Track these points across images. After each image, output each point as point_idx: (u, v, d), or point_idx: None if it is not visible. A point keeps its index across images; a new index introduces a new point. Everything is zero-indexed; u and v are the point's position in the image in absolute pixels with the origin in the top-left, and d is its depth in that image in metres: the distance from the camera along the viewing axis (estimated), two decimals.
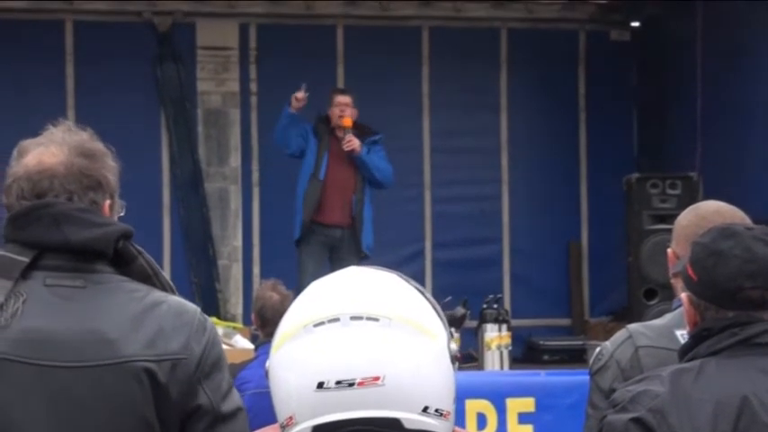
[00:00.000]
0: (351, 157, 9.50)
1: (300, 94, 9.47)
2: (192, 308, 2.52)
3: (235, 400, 2.51)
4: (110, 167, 2.55)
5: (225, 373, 2.51)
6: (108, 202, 2.54)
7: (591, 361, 3.40)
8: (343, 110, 9.55)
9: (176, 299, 2.51)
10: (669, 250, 3.43)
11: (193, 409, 2.45)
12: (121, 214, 2.61)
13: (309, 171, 9.55)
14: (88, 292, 2.44)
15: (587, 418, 3.28)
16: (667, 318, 3.35)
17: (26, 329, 2.39)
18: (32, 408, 2.37)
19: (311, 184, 9.51)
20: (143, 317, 2.44)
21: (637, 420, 2.53)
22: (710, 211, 3.37)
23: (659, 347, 3.23)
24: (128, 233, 2.50)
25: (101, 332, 2.41)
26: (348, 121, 9.51)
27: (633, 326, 3.40)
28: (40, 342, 2.39)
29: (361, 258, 9.18)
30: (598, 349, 3.41)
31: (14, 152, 2.55)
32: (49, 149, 2.51)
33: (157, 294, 2.49)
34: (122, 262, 2.50)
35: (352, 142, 9.46)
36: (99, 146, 2.56)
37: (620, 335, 3.38)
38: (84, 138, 2.55)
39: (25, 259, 2.43)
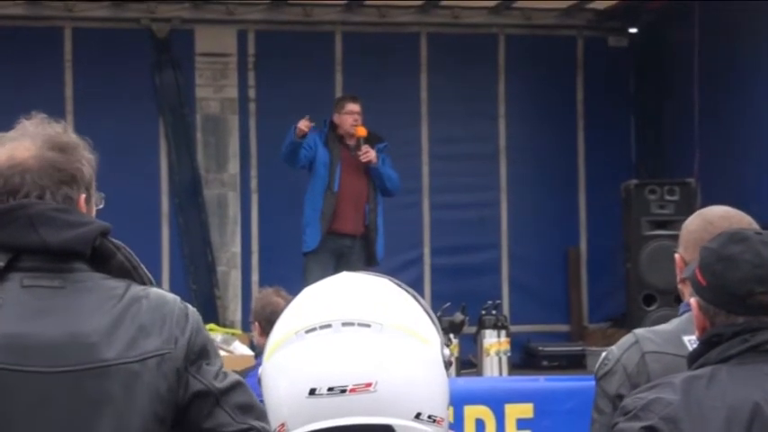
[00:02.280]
0: (366, 168, 9.46)
1: (305, 124, 9.29)
2: (172, 298, 2.48)
3: (231, 376, 2.48)
4: (85, 159, 2.50)
5: (213, 357, 2.48)
6: (83, 195, 2.49)
7: (597, 366, 3.37)
8: (357, 119, 9.50)
9: (156, 291, 2.47)
10: (676, 255, 3.40)
11: (191, 398, 2.42)
12: (100, 206, 2.57)
13: (322, 183, 9.46)
14: (67, 292, 2.41)
15: (593, 422, 3.26)
16: (674, 323, 3.32)
17: (5, 335, 2.35)
18: (15, 414, 2.34)
19: (326, 198, 9.44)
20: (123, 315, 2.40)
21: (649, 428, 2.53)
22: (718, 216, 3.35)
23: (666, 353, 3.20)
24: (105, 231, 2.46)
25: (81, 335, 2.37)
26: (363, 131, 9.44)
27: (640, 331, 3.37)
28: (20, 347, 2.35)
29: (373, 266, 9.15)
30: (604, 354, 3.38)
31: None
32: (22, 143, 2.46)
33: (137, 290, 2.45)
34: (101, 259, 2.46)
35: (369, 153, 9.40)
36: (73, 137, 2.51)
37: (626, 339, 3.35)
38: (58, 130, 2.50)
39: (0, 263, 2.40)
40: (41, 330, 2.37)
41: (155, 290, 2.48)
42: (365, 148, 9.41)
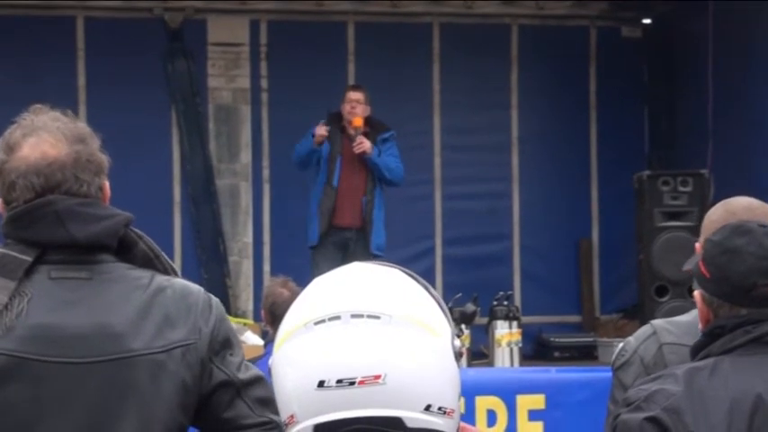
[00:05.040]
0: (362, 159, 9.44)
1: (323, 130, 9.36)
2: (196, 288, 2.52)
3: (252, 369, 2.52)
4: (98, 146, 2.53)
5: (236, 348, 2.51)
6: (107, 182, 2.53)
7: (614, 356, 3.35)
8: (354, 106, 9.47)
9: (180, 282, 2.51)
10: (697, 245, 3.39)
11: (214, 387, 2.46)
12: None
13: (323, 178, 9.46)
14: (93, 283, 2.44)
15: (609, 414, 3.22)
16: (693, 314, 3.26)
17: (35, 326, 2.38)
18: (45, 405, 2.37)
19: (326, 192, 9.43)
20: (149, 306, 2.44)
21: (652, 419, 2.53)
22: (741, 207, 3.30)
23: (684, 345, 3.14)
24: (129, 221, 2.49)
25: (108, 326, 2.40)
26: (358, 122, 9.42)
27: (657, 322, 3.36)
28: (49, 339, 2.38)
29: (372, 259, 9.13)
30: (621, 345, 3.36)
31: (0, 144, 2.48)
32: (46, 140, 2.46)
33: (161, 279, 2.49)
34: (124, 248, 2.49)
35: (363, 144, 9.37)
36: (84, 126, 2.53)
37: (644, 331, 3.33)
38: (70, 122, 2.51)
39: (28, 258, 2.42)
40: (70, 321, 2.40)
41: (179, 280, 2.52)
42: (359, 138, 9.37)
